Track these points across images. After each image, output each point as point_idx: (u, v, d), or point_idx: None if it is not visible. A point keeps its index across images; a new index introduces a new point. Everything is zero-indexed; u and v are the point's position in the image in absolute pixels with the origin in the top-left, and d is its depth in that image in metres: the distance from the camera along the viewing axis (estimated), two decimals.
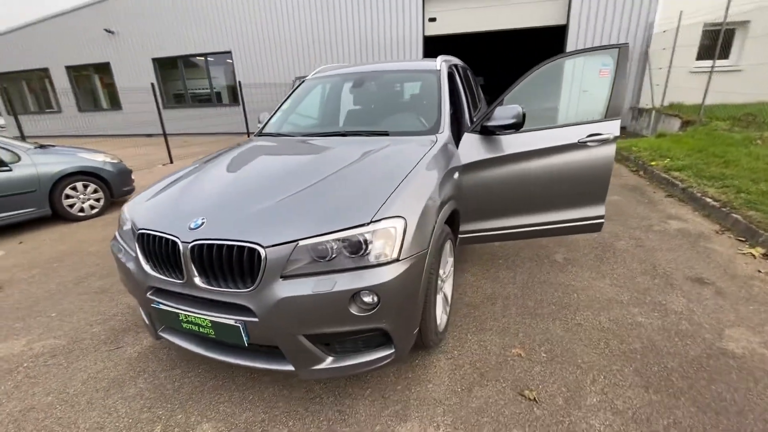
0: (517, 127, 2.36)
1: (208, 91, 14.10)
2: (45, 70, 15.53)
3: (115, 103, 15.19)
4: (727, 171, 4.56)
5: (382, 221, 1.55)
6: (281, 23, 12.12)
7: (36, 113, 16.71)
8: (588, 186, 2.59)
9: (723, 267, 2.88)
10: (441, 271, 2.10)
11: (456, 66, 3.38)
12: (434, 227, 1.79)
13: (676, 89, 8.60)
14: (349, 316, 1.50)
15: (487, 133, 2.48)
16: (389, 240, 1.55)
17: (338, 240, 1.51)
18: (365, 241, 1.52)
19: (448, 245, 2.15)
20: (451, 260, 2.32)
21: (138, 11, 13.36)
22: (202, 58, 13.61)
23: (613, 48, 2.53)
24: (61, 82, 15.45)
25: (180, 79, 14.22)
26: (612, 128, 2.49)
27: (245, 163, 2.20)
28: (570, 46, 10.20)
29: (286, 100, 3.16)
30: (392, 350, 1.64)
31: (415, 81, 2.96)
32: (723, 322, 2.25)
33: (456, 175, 2.31)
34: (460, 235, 2.66)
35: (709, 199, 3.96)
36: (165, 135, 8.66)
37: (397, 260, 1.54)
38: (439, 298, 2.11)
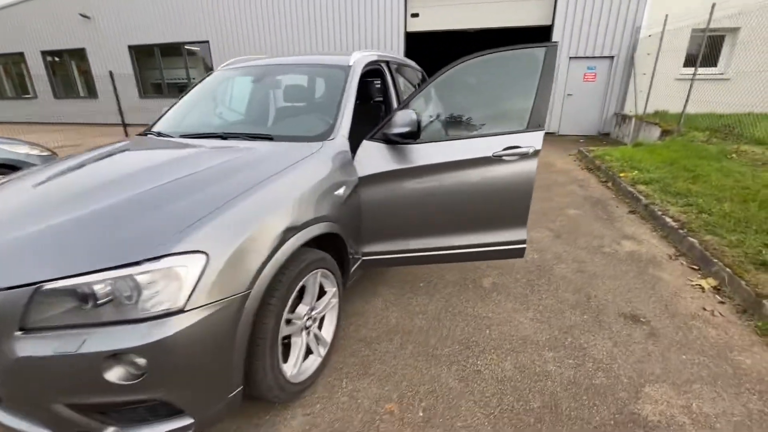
0: (412, 136, 2.01)
1: (186, 81, 13.65)
2: (20, 55, 15.03)
3: (91, 91, 14.70)
4: (693, 187, 4.21)
5: (166, 258, 1.19)
6: (259, 14, 11.69)
7: (12, 98, 16.21)
8: (506, 207, 2.23)
9: (665, 301, 2.53)
10: (304, 309, 1.75)
11: (388, 63, 3.01)
12: (268, 260, 1.43)
13: (661, 97, 8.25)
14: (106, 386, 1.14)
15: (389, 141, 2.13)
16: (174, 284, 1.19)
17: (103, 282, 1.15)
18: (137, 285, 1.16)
19: (317, 277, 1.80)
20: (331, 291, 1.96)
21: None
22: (182, 48, 13.16)
23: (540, 47, 2.16)
24: (36, 67, 14.96)
25: (158, 68, 13.76)
26: (533, 140, 2.14)
27: (69, 171, 1.83)
28: None
29: (184, 94, 2.79)
30: (190, 420, 1.28)
31: (321, 78, 2.59)
32: (645, 375, 1.91)
33: (341, 191, 1.95)
34: (363, 258, 2.31)
35: (668, 219, 3.62)
36: (124, 125, 8.26)
37: (181, 311, 1.18)
38: (302, 340, 1.76)
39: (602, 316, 2.39)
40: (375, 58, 2.80)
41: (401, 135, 2.02)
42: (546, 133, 10.85)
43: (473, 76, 2.29)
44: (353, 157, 2.14)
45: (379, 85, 3.11)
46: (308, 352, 1.87)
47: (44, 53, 14.68)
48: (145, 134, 2.54)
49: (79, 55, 14.31)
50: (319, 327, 1.95)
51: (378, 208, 2.20)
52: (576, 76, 9.94)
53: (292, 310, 1.71)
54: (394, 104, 2.97)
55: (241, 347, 1.36)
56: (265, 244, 1.43)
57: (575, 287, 2.72)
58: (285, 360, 1.67)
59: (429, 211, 2.23)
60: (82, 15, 13.36)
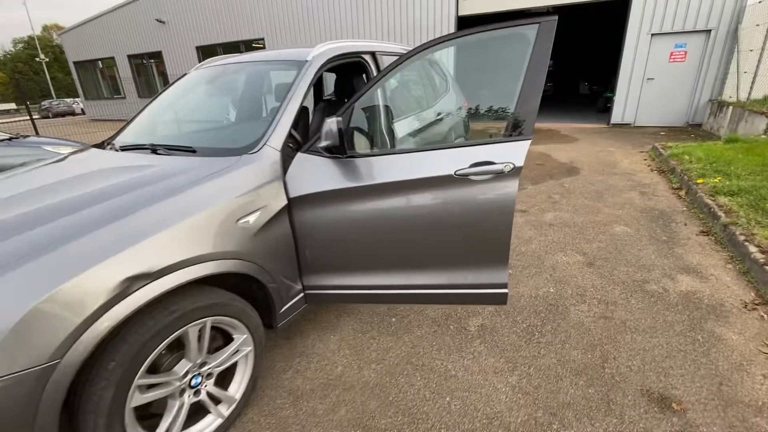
0: (337, 151, 1.58)
1: None
2: (112, 59, 16.93)
3: None
4: None
5: None
6: (310, 8, 11.67)
7: (107, 99, 18.38)
8: (477, 242, 1.70)
9: (720, 378, 1.79)
10: (186, 365, 1.44)
11: (375, 55, 2.55)
12: (93, 320, 1.12)
13: None
14: None
15: (324, 154, 1.71)
16: None
17: None
18: None
19: (207, 326, 1.47)
20: (241, 338, 1.62)
21: (183, 0, 13.81)
22: (241, 46, 13.73)
23: (530, 25, 1.57)
24: (124, 70, 16.75)
25: None
26: (512, 154, 1.57)
27: None
28: (633, 25, 8.37)
29: (150, 101, 2.62)
30: None
31: (272, 76, 2.23)
32: None
33: (252, 219, 1.59)
34: (306, 291, 1.94)
35: (753, 248, 2.69)
36: None
37: None
38: (181, 404, 1.45)
39: (616, 392, 1.74)
40: (351, 49, 2.35)
41: (327, 149, 1.60)
42: (618, 125, 9.49)
43: (439, 67, 1.77)
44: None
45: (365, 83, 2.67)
46: (206, 410, 1.57)
47: (130, 57, 16.35)
48: (103, 145, 2.40)
49: (157, 57, 15.68)
50: (223, 381, 1.64)
51: (316, 234, 1.81)
52: (660, 56, 8.39)
53: (170, 368, 1.42)
54: (401, 102, 2.51)
55: (48, 427, 1.08)
56: (89, 299, 1.12)
57: (590, 342, 2.07)
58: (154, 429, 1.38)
59: (379, 242, 1.78)
60: (158, 20, 14.57)
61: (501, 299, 1.80)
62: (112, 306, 1.16)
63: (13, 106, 38.67)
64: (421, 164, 1.67)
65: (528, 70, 1.57)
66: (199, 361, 1.48)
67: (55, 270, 1.09)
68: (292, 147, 1.93)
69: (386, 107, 2.08)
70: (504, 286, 1.76)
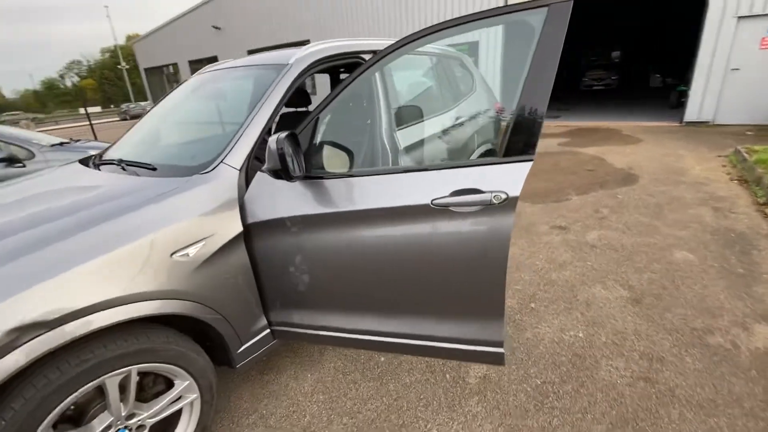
0: (283, 174, 1.31)
1: None
2: (175, 65, 18.18)
3: None
4: None
5: None
6: (352, 7, 11.59)
7: None
8: (463, 289, 1.36)
9: None
10: (107, 419, 1.27)
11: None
12: None
13: None
14: None
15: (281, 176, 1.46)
16: None
17: None
18: None
19: (132, 375, 1.28)
20: (183, 384, 1.42)
21: (237, 7, 14.40)
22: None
23: (535, 10, 1.19)
24: (186, 75, 17.90)
25: None
26: (506, 180, 1.21)
27: None
28: (714, 7, 7.22)
29: (151, 108, 2.54)
30: None
31: (249, 83, 2.00)
32: None
33: (192, 251, 1.37)
34: (274, 328, 1.72)
35: None
36: None
37: None
38: None
39: None
40: (345, 50, 2.07)
41: (272, 172, 1.34)
42: (693, 123, 8.34)
43: (463, 62, 1.43)
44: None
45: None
46: None
47: (190, 62, 17.44)
48: (90, 158, 2.32)
49: (214, 61, 16.55)
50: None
51: (275, 267, 1.57)
52: (747, 43, 7.15)
53: (89, 420, 1.25)
54: (381, 110, 2.22)
55: None
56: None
57: (622, 414, 1.62)
58: None
59: (345, 280, 1.50)
60: (214, 27, 15.34)
61: (496, 359, 1.43)
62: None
63: (98, 109, 43.44)
64: (397, 189, 1.35)
65: (531, 70, 1.19)
66: (124, 414, 1.30)
67: None
68: None
69: (373, 115, 1.78)
70: (499, 344, 1.40)
